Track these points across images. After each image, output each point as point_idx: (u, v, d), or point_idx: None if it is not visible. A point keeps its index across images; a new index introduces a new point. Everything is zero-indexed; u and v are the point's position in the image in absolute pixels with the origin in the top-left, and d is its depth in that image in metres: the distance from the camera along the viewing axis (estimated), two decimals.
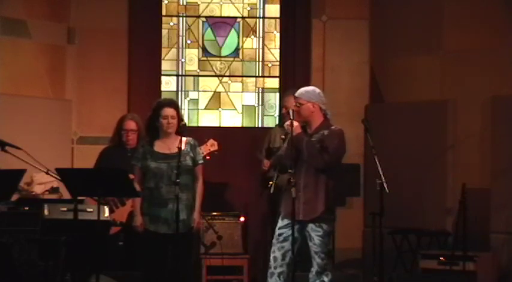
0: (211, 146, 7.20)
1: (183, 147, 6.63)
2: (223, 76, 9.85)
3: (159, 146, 6.75)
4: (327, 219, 6.57)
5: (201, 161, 6.85)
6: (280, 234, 6.60)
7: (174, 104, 6.86)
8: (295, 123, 6.58)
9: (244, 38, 9.87)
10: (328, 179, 6.58)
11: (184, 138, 6.67)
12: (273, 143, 8.53)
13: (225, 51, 9.87)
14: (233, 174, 9.40)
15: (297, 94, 6.71)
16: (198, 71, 9.85)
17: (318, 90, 6.78)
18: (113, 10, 9.47)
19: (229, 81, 9.87)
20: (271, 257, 6.60)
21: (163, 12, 9.78)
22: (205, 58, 9.85)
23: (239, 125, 9.82)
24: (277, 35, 9.87)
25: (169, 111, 6.74)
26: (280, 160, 6.76)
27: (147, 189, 6.69)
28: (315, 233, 6.53)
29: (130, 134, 7.84)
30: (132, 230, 6.87)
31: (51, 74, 9.26)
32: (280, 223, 6.64)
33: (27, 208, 7.31)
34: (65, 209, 7.06)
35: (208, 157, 7.13)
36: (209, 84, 9.86)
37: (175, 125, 6.75)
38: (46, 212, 7.07)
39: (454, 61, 8.97)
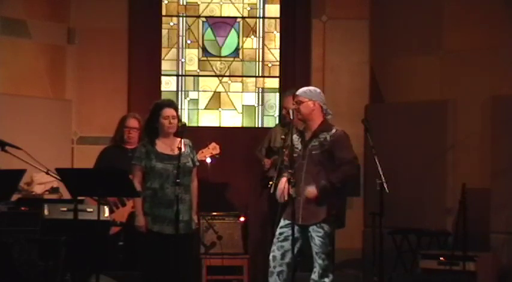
0: (213, 149, 7.22)
1: (183, 148, 6.64)
2: (223, 76, 9.85)
3: (161, 147, 6.74)
4: (328, 221, 6.57)
5: (197, 163, 6.90)
6: (280, 234, 6.60)
7: (174, 105, 6.86)
8: (312, 191, 6.48)
9: (244, 38, 9.87)
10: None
11: (182, 140, 6.68)
12: (273, 142, 8.56)
13: (225, 51, 9.87)
14: (233, 174, 9.40)
15: (297, 92, 6.70)
16: (198, 71, 9.85)
17: (318, 89, 6.78)
18: (113, 10, 9.46)
19: (229, 81, 9.87)
20: (271, 256, 6.60)
21: (163, 12, 9.78)
22: (205, 58, 9.85)
23: (239, 125, 9.82)
24: (277, 35, 9.87)
25: (170, 112, 6.73)
26: (282, 172, 6.75)
27: (150, 189, 6.67)
28: (315, 234, 6.53)
29: (132, 132, 7.87)
30: (133, 230, 6.85)
31: (51, 74, 9.26)
32: (281, 222, 6.64)
33: (27, 208, 7.31)
34: (65, 209, 7.07)
35: (209, 160, 7.14)
36: (209, 84, 9.86)
37: (176, 126, 6.75)
38: (46, 212, 7.08)
39: (454, 61, 8.97)
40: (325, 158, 6.53)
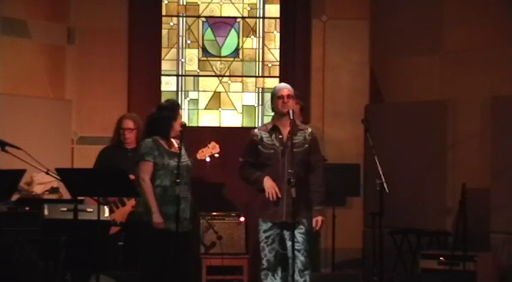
0: (212, 148, 7.21)
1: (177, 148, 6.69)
2: (223, 76, 9.85)
3: (169, 145, 6.76)
4: (307, 218, 6.65)
5: None
6: (267, 237, 6.68)
7: None
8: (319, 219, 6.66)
9: (244, 38, 9.87)
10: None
11: (182, 140, 6.69)
12: None
13: (225, 51, 9.87)
14: (233, 174, 9.31)
15: (288, 88, 6.81)
16: (198, 71, 9.85)
17: None
18: (112, 10, 9.46)
19: (229, 81, 9.87)
20: (264, 260, 6.68)
21: (163, 12, 9.78)
22: (205, 58, 9.85)
23: (239, 125, 9.82)
24: (277, 35, 9.87)
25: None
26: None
27: (160, 187, 6.66)
28: (297, 231, 6.58)
29: (127, 133, 7.87)
30: (133, 230, 6.84)
31: (51, 74, 9.26)
32: (264, 226, 6.70)
33: (27, 208, 7.31)
34: (65, 209, 7.06)
35: (208, 159, 7.14)
36: (209, 84, 9.86)
37: None
38: (46, 212, 7.07)
39: (454, 61, 8.97)
40: (306, 155, 6.69)
